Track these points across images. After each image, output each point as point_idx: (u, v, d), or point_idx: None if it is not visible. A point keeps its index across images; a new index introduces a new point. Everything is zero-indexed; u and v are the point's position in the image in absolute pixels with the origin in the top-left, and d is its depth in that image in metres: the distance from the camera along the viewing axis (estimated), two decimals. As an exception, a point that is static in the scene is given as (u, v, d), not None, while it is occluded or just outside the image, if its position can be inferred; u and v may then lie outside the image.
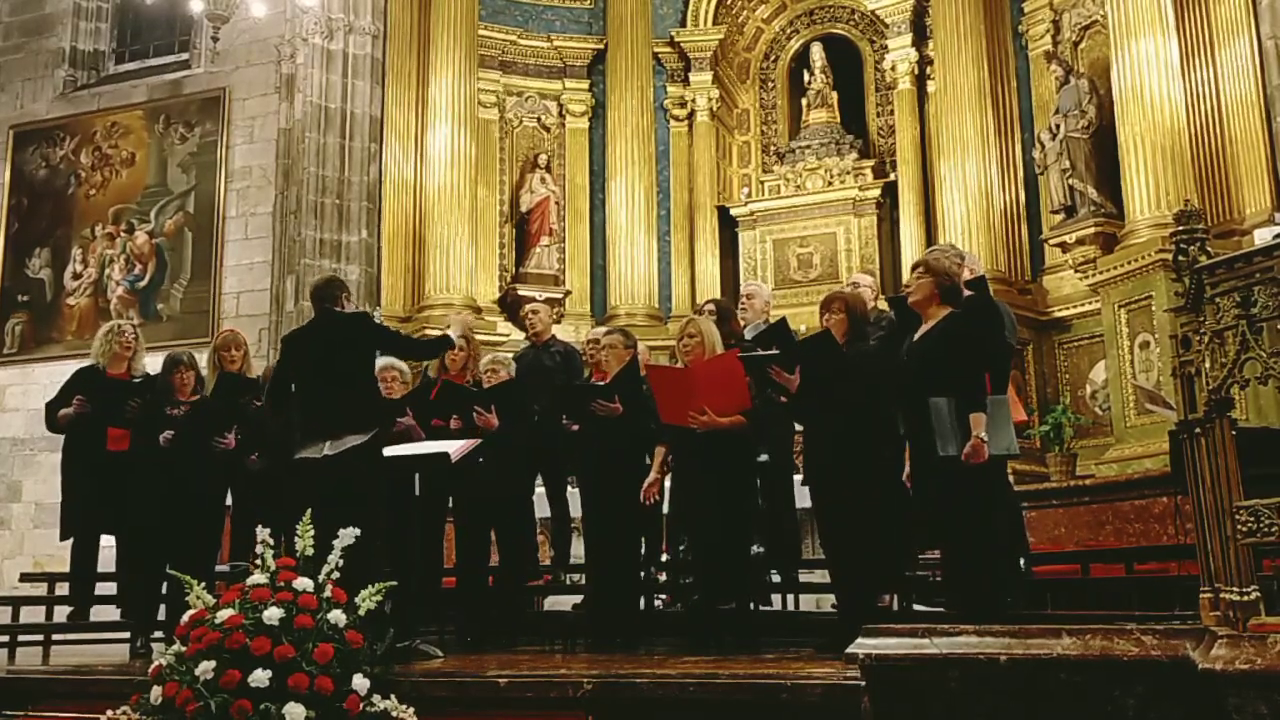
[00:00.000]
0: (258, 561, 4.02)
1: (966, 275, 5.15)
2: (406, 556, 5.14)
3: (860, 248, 11.43)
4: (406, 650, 4.40)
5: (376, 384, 5.17)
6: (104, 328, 6.29)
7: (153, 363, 6.23)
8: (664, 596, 6.28)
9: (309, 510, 4.16)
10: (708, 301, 7.06)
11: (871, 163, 11.88)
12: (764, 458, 5.52)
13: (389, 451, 5.07)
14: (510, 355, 6.41)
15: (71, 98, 12.40)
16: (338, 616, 3.86)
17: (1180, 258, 3.31)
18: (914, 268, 4.79)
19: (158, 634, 5.54)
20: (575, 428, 5.73)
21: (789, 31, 12.94)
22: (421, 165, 10.95)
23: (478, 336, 9.99)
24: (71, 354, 10.17)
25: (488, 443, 5.39)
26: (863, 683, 3.42)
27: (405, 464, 5.21)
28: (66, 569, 6.26)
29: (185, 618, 3.95)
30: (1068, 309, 9.91)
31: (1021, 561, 5.18)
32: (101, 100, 12.29)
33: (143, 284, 11.58)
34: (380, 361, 5.41)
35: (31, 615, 6.60)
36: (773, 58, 12.97)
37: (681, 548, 5.58)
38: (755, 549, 5.55)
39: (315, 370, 4.99)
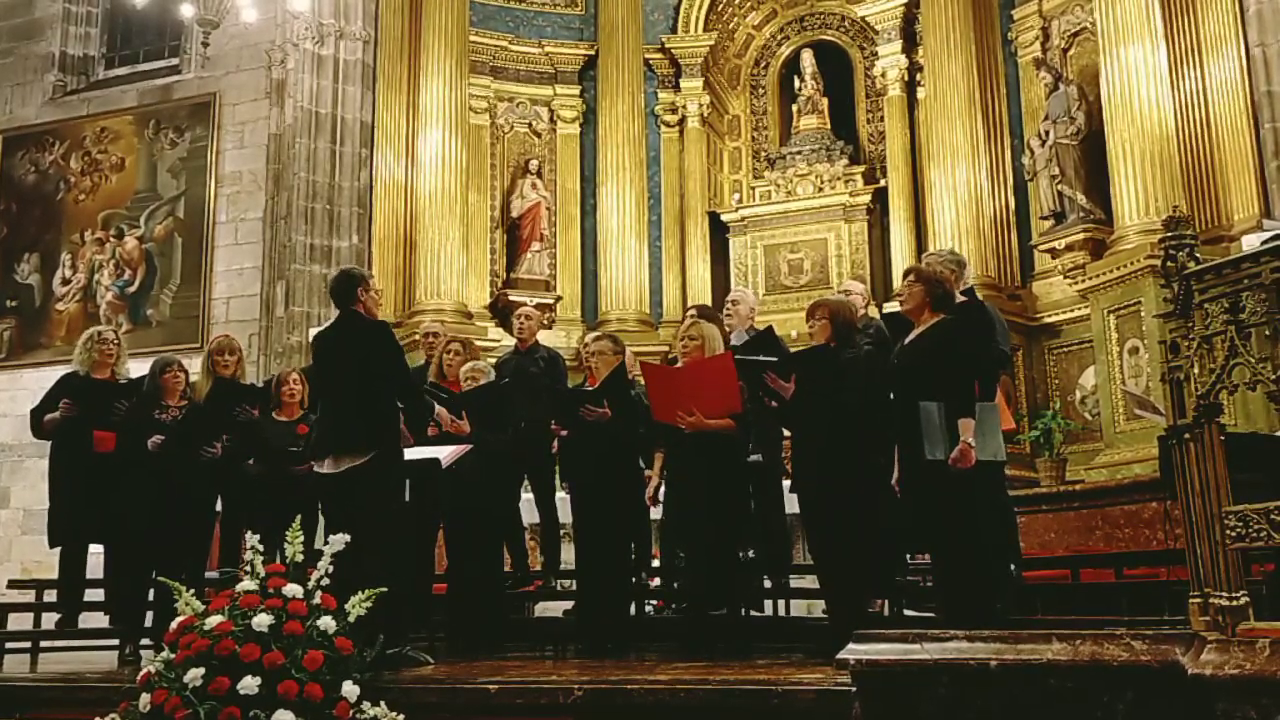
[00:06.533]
0: (247, 568, 4.00)
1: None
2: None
3: (851, 253, 11.44)
4: (396, 657, 4.38)
5: (384, 400, 4.87)
6: (84, 335, 6.24)
7: (139, 368, 6.21)
8: (655, 602, 6.28)
9: (299, 516, 4.16)
10: (691, 308, 7.08)
11: (862, 169, 11.90)
12: (756, 457, 5.53)
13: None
14: (489, 363, 6.37)
15: (61, 103, 12.39)
16: (327, 623, 3.85)
17: (1169, 264, 3.32)
18: (905, 275, 4.81)
19: (146, 641, 5.51)
20: (564, 433, 5.74)
21: (779, 38, 12.96)
22: (412, 170, 10.92)
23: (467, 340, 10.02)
24: (60, 359, 10.13)
25: (477, 449, 5.38)
26: (853, 688, 3.42)
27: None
28: (55, 575, 6.23)
29: (174, 624, 3.93)
30: (1057, 314, 9.94)
31: (1012, 567, 5.18)
32: (91, 105, 12.28)
33: (132, 289, 11.56)
34: None
35: (19, 622, 6.56)
36: (763, 64, 13.00)
37: (681, 554, 5.57)
38: (746, 554, 5.56)
39: (328, 381, 4.96)
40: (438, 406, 5.35)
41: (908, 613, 5.49)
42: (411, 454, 5.12)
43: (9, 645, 6.07)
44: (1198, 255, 3.30)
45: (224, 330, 8.99)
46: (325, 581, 3.97)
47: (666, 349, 10.26)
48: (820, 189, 11.70)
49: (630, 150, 11.58)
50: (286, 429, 5.98)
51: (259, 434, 5.88)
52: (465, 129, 11.03)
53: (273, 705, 3.61)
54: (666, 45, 12.23)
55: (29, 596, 6.87)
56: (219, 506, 5.94)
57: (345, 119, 10.79)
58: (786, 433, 5.72)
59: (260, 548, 4.03)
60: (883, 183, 11.62)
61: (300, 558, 4.00)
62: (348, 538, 4.03)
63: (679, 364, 5.52)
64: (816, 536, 4.95)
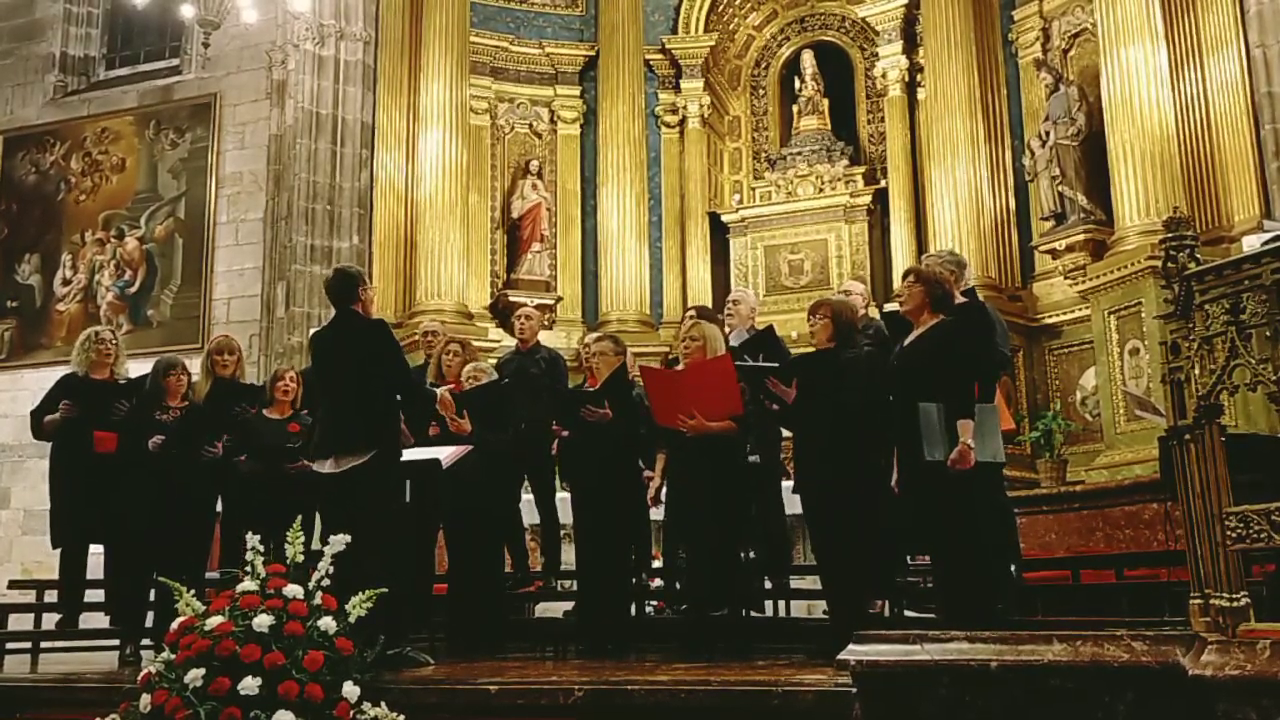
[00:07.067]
0: (247, 568, 4.01)
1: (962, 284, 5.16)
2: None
3: (851, 254, 11.44)
4: (396, 657, 4.39)
5: (383, 398, 4.89)
6: (82, 335, 6.22)
7: (139, 368, 6.20)
8: (655, 602, 6.28)
9: (299, 517, 4.16)
10: (691, 308, 7.08)
11: (862, 169, 11.90)
12: (754, 458, 5.53)
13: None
14: (490, 364, 6.37)
15: (62, 103, 12.39)
16: (328, 624, 3.85)
17: (1169, 265, 3.32)
18: (904, 276, 4.81)
19: (147, 641, 5.51)
20: (565, 433, 5.74)
21: (780, 39, 12.97)
22: (413, 171, 10.92)
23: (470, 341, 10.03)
24: (61, 360, 10.08)
25: (478, 449, 5.38)
26: (854, 689, 3.42)
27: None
28: (55, 576, 6.23)
29: (174, 625, 3.93)
30: (1058, 315, 9.94)
31: (1012, 567, 5.19)
32: (92, 106, 12.28)
33: (133, 290, 11.56)
34: None
35: (20, 622, 6.56)
36: (764, 65, 13.00)
37: (682, 554, 5.58)
38: (747, 555, 5.56)
39: (328, 380, 4.96)
40: (439, 391, 5.34)
41: (908, 613, 5.49)
42: (412, 454, 5.12)
43: (9, 645, 6.08)
44: (1198, 256, 3.30)
45: (224, 331, 8.99)
46: (326, 582, 3.97)
47: (667, 350, 10.25)
48: (821, 190, 11.70)
49: (631, 151, 11.58)
50: (277, 426, 5.98)
51: (250, 430, 5.88)
52: (466, 130, 11.03)
53: (273, 706, 3.61)
54: (667, 46, 12.23)
55: (29, 597, 6.88)
56: (219, 506, 5.94)
57: (346, 120, 10.80)
58: (785, 434, 5.73)
59: (260, 548, 4.03)
60: (883, 183, 11.63)
61: (300, 558, 4.00)
62: (348, 538, 4.03)
63: (680, 365, 5.52)
64: (819, 536, 4.95)
